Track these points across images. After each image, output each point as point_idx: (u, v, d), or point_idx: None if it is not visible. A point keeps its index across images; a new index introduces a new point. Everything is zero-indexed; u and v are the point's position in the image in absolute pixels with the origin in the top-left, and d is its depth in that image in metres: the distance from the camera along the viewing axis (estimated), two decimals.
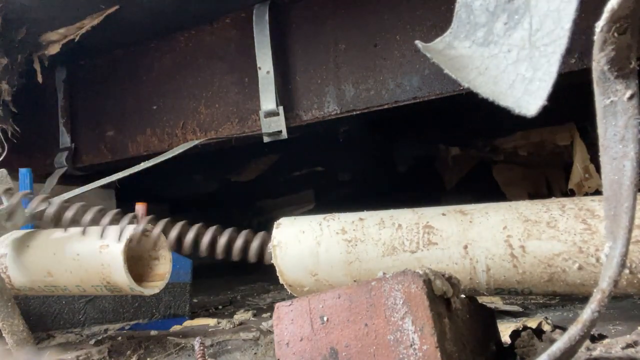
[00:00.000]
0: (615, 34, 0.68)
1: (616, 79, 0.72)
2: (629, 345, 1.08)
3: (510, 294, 1.18)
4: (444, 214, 1.20)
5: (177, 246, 1.53)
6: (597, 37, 0.70)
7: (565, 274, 1.06)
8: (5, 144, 1.99)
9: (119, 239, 1.41)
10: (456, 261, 1.15)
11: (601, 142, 0.76)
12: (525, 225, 1.10)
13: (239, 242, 1.48)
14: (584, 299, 0.84)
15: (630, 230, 0.73)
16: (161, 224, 1.51)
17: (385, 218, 1.25)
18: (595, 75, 0.74)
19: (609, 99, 0.73)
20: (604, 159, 0.76)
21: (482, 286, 1.16)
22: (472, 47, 0.94)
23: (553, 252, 1.06)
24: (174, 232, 1.50)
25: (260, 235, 1.45)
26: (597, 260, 1.03)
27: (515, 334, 1.16)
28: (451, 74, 0.92)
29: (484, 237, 1.12)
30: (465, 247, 1.14)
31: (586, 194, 2.80)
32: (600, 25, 0.69)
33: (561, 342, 0.75)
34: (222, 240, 1.48)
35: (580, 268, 1.05)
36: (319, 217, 1.34)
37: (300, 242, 1.30)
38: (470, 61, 0.92)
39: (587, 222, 1.05)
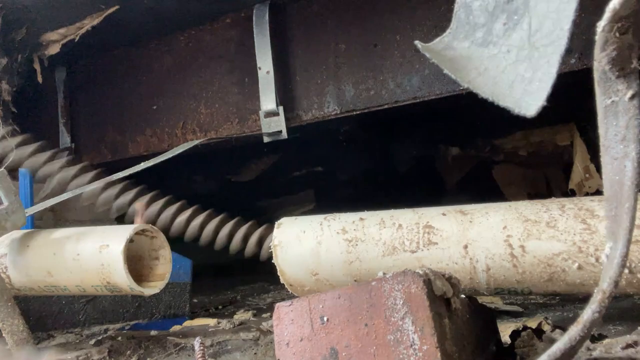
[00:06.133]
0: (617, 34, 0.68)
1: (617, 79, 0.72)
2: (629, 345, 1.08)
3: (510, 293, 1.19)
4: (444, 214, 1.21)
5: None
6: (599, 36, 0.70)
7: (565, 274, 1.07)
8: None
9: (120, 239, 1.41)
10: (456, 261, 1.16)
11: (602, 142, 0.76)
12: (525, 225, 1.10)
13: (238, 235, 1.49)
14: (583, 299, 0.84)
15: (631, 231, 0.74)
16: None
17: (386, 218, 1.26)
18: (596, 75, 0.74)
19: (610, 99, 0.73)
20: (604, 159, 0.76)
21: (482, 286, 1.16)
22: (471, 48, 0.94)
23: (552, 251, 1.07)
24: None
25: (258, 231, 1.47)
26: (597, 260, 1.03)
27: (515, 334, 1.16)
28: (451, 74, 0.92)
29: (484, 237, 1.13)
30: (465, 246, 1.15)
31: (587, 194, 2.80)
32: (601, 25, 0.68)
33: (561, 342, 0.75)
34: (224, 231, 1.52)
35: (579, 268, 1.05)
36: (319, 217, 1.35)
37: (301, 241, 1.31)
38: (470, 61, 0.92)
39: (586, 222, 1.06)
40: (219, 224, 1.64)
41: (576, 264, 1.05)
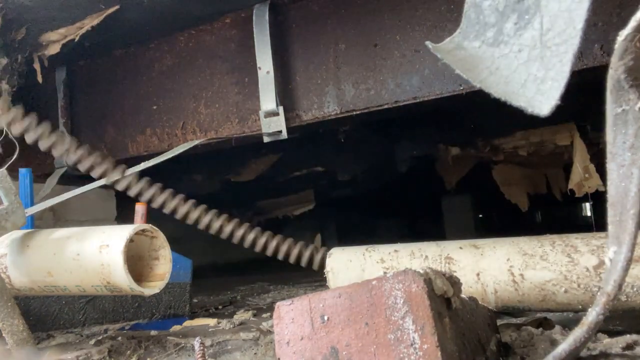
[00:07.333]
0: (638, 44, 0.68)
1: (630, 88, 0.72)
2: (629, 345, 1.08)
3: (514, 310, 1.44)
4: (461, 248, 1.47)
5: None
6: (619, 45, 0.69)
7: (555, 296, 1.31)
8: (17, 144, 1.98)
9: (120, 239, 1.41)
10: (471, 285, 1.40)
11: (609, 149, 0.76)
12: (523, 258, 1.36)
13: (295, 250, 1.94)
14: None
15: (635, 236, 0.75)
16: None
17: (415, 250, 1.53)
18: (610, 82, 0.74)
19: (621, 108, 0.74)
20: (611, 165, 0.77)
21: (491, 305, 1.40)
22: (482, 47, 0.94)
23: (545, 279, 1.32)
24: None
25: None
26: (579, 285, 1.27)
27: (515, 334, 1.16)
28: (462, 74, 0.93)
29: (492, 267, 1.39)
30: (478, 274, 1.40)
31: (586, 194, 2.81)
32: (624, 33, 0.68)
33: (566, 343, 0.75)
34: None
35: (566, 291, 1.29)
36: (362, 248, 1.62)
37: (349, 269, 1.59)
38: (481, 61, 0.92)
39: (571, 256, 1.30)
40: (290, 245, 2.02)
41: (563, 289, 1.29)
